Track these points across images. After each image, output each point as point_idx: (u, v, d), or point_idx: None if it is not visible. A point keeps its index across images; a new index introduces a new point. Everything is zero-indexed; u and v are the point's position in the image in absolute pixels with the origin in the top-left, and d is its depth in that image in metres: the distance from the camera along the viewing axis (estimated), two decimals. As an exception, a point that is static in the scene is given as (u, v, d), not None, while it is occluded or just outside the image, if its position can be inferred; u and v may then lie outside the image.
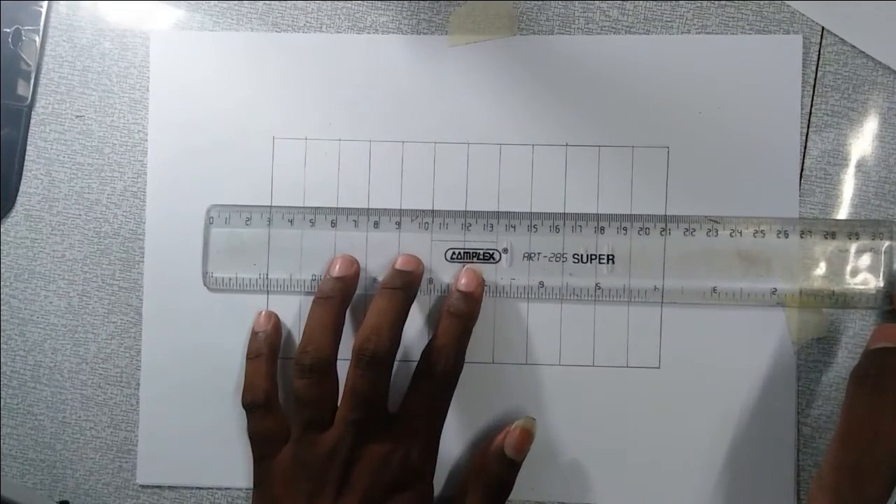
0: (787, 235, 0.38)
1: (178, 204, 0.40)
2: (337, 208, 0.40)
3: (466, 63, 0.40)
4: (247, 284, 0.40)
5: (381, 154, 0.40)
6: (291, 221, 0.40)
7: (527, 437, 0.37)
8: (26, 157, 0.41)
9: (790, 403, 0.38)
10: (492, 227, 0.39)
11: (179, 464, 0.40)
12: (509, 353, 0.39)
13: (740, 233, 0.38)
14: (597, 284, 0.39)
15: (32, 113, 0.41)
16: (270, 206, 0.40)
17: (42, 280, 0.41)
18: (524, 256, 0.39)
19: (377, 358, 0.35)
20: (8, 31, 0.41)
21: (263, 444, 0.37)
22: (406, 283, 0.37)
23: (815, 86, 0.39)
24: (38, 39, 0.41)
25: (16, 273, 0.41)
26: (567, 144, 0.39)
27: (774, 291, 0.38)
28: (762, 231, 0.38)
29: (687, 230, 0.39)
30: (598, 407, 0.39)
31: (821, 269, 0.38)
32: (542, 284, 0.39)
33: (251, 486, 0.39)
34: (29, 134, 0.41)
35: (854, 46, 0.39)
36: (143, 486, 0.40)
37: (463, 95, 0.40)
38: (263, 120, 0.40)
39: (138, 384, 0.40)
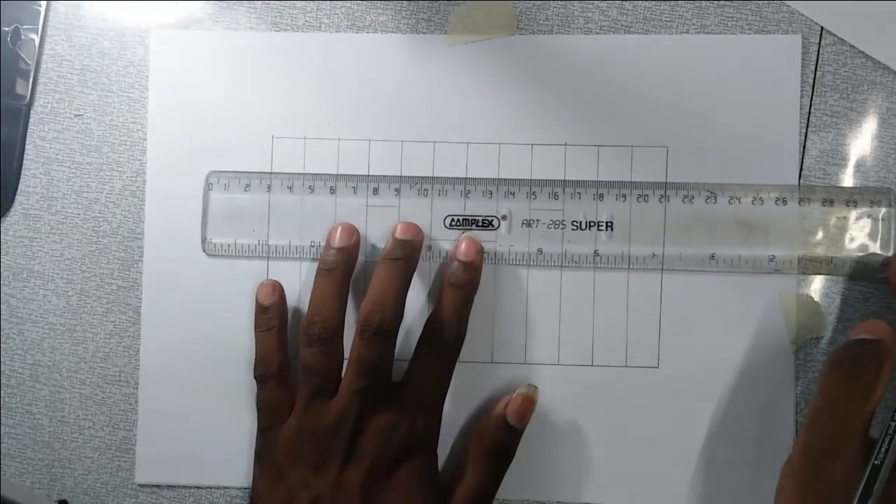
0: (785, 202, 0.38)
1: (177, 203, 0.40)
2: (336, 175, 0.40)
3: (466, 62, 0.40)
4: (246, 250, 0.40)
5: (380, 153, 0.40)
6: (290, 188, 0.40)
7: (528, 404, 0.38)
8: (25, 156, 0.41)
9: (790, 403, 0.38)
10: (491, 193, 0.39)
11: (178, 463, 0.40)
12: (509, 353, 0.39)
13: (739, 200, 0.38)
14: (595, 251, 0.39)
15: (31, 112, 0.41)
16: (270, 173, 0.40)
17: (41, 279, 0.41)
18: (523, 223, 0.39)
19: (383, 328, 0.36)
20: (7, 29, 0.41)
21: (272, 413, 0.37)
22: (407, 253, 0.37)
23: (814, 86, 0.39)
24: (36, 38, 0.41)
25: (14, 272, 0.41)
26: (566, 144, 0.39)
27: (773, 258, 0.38)
28: (761, 198, 0.38)
29: (686, 197, 0.39)
30: (598, 406, 0.39)
31: (819, 236, 0.38)
32: (540, 251, 0.39)
33: (250, 485, 0.39)
34: (28, 133, 0.41)
35: (853, 46, 0.39)
36: (141, 486, 0.40)
37: (462, 95, 0.40)
38: (262, 119, 0.40)
39: (137, 383, 0.40)
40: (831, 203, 0.38)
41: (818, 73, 0.39)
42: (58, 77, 0.41)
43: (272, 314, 0.38)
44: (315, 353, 0.36)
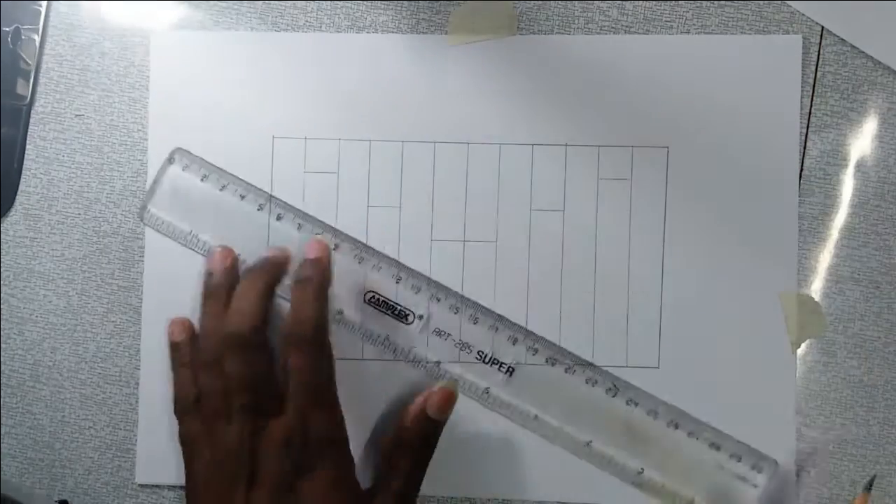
0: (676, 427, 0.38)
1: (179, 202, 0.40)
2: (291, 206, 0.39)
3: (466, 63, 0.40)
4: (176, 235, 0.40)
5: (380, 154, 0.40)
6: (243, 197, 0.39)
7: (449, 397, 0.37)
8: (25, 157, 0.41)
9: (790, 403, 0.38)
10: (419, 289, 0.39)
11: (178, 463, 0.40)
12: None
13: (636, 404, 0.38)
14: (486, 388, 0.38)
15: (32, 112, 0.41)
16: (234, 176, 0.40)
17: (41, 279, 0.41)
18: (435, 331, 0.39)
19: (244, 339, 0.35)
20: (7, 30, 0.41)
21: (191, 448, 0.37)
22: (264, 266, 0.38)
23: (814, 86, 0.39)
24: (37, 38, 0.41)
25: (15, 272, 0.41)
26: (567, 144, 0.39)
27: (641, 471, 0.38)
28: (656, 412, 0.38)
29: (590, 380, 0.38)
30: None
31: (691, 471, 0.38)
32: (438, 364, 0.39)
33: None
34: (28, 133, 0.41)
35: (854, 46, 0.39)
36: (142, 486, 0.40)
37: (463, 95, 0.40)
38: (263, 119, 0.40)
39: (137, 383, 0.40)
40: (717, 448, 0.38)
41: (819, 74, 0.39)
42: (58, 77, 0.41)
43: (183, 350, 0.38)
44: (206, 379, 0.36)
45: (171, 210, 0.40)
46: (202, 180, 0.40)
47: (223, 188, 0.40)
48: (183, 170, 0.40)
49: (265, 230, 0.39)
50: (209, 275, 0.38)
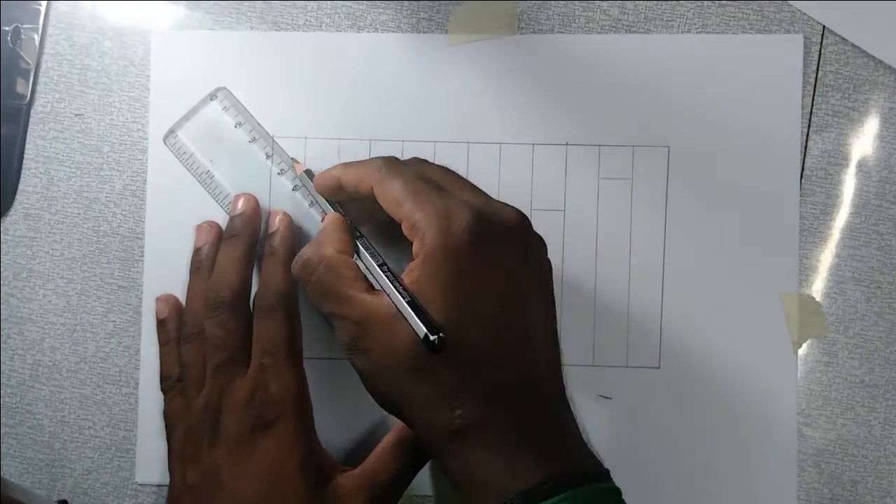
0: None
1: (179, 202, 0.40)
2: (308, 180, 0.39)
3: (467, 62, 0.40)
4: (193, 168, 0.40)
5: (380, 153, 0.40)
6: (268, 156, 0.40)
7: None
8: (25, 156, 0.41)
9: (790, 403, 0.38)
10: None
11: (178, 463, 0.40)
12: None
13: None
14: None
15: (31, 111, 0.41)
16: (266, 130, 0.40)
17: (41, 279, 0.41)
18: None
19: (220, 300, 0.36)
20: (7, 29, 0.41)
21: (174, 424, 0.38)
22: (242, 228, 0.38)
23: (815, 85, 0.39)
24: (37, 38, 0.41)
25: (14, 272, 0.41)
26: (567, 144, 0.39)
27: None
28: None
29: None
30: (599, 406, 0.39)
31: None
32: None
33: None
34: (28, 132, 0.41)
35: (855, 46, 0.39)
36: (142, 485, 0.40)
37: (463, 95, 0.39)
38: (263, 119, 0.40)
39: (137, 383, 0.40)
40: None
41: (820, 73, 0.39)
42: (58, 76, 0.41)
43: (169, 327, 0.39)
44: (187, 350, 0.37)
45: (196, 143, 0.40)
46: (236, 126, 0.40)
47: (253, 140, 0.40)
48: (223, 110, 0.40)
49: (279, 194, 0.40)
50: (197, 251, 0.39)
